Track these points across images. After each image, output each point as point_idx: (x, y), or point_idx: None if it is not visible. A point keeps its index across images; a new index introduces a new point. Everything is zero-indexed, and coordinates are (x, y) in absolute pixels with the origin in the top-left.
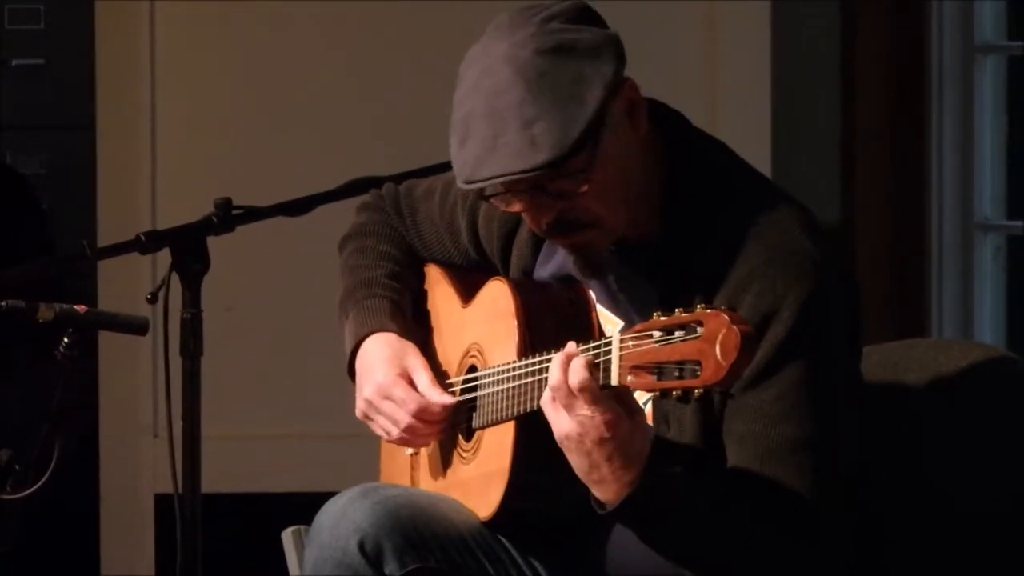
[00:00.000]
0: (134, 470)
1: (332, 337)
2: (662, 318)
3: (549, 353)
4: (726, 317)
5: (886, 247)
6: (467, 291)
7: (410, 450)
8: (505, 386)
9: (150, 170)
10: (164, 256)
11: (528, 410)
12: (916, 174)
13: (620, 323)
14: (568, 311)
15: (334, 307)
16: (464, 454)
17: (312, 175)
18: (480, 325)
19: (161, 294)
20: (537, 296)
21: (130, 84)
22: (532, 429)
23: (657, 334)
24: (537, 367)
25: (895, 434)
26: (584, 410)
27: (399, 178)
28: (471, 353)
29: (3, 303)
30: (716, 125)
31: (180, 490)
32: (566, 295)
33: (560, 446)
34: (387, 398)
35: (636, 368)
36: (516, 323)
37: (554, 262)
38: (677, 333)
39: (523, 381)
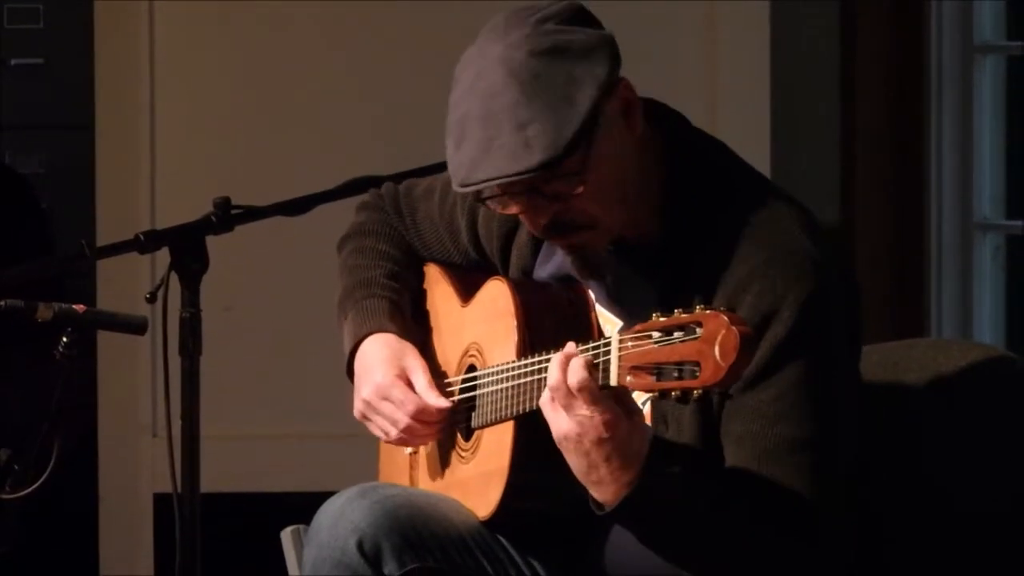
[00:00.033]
0: (133, 470)
1: (331, 337)
2: (661, 319)
3: (548, 353)
4: (725, 318)
5: (886, 247)
6: (466, 290)
7: (409, 449)
8: (504, 386)
9: (149, 170)
10: (163, 256)
11: (527, 410)
12: (916, 174)
13: (619, 323)
14: (567, 311)
15: (333, 307)
16: (463, 454)
17: (311, 175)
18: (479, 325)
19: (160, 294)
20: (536, 296)
21: (129, 84)
22: (531, 429)
23: (656, 335)
24: (536, 367)
25: (895, 434)
26: (583, 410)
27: (398, 177)
28: (470, 352)
29: (2, 303)
30: (716, 125)
31: (179, 490)
32: (565, 295)
33: (558, 446)
34: (385, 399)
35: (635, 368)
36: (515, 323)
37: (553, 262)
38: (676, 334)
39: (522, 381)
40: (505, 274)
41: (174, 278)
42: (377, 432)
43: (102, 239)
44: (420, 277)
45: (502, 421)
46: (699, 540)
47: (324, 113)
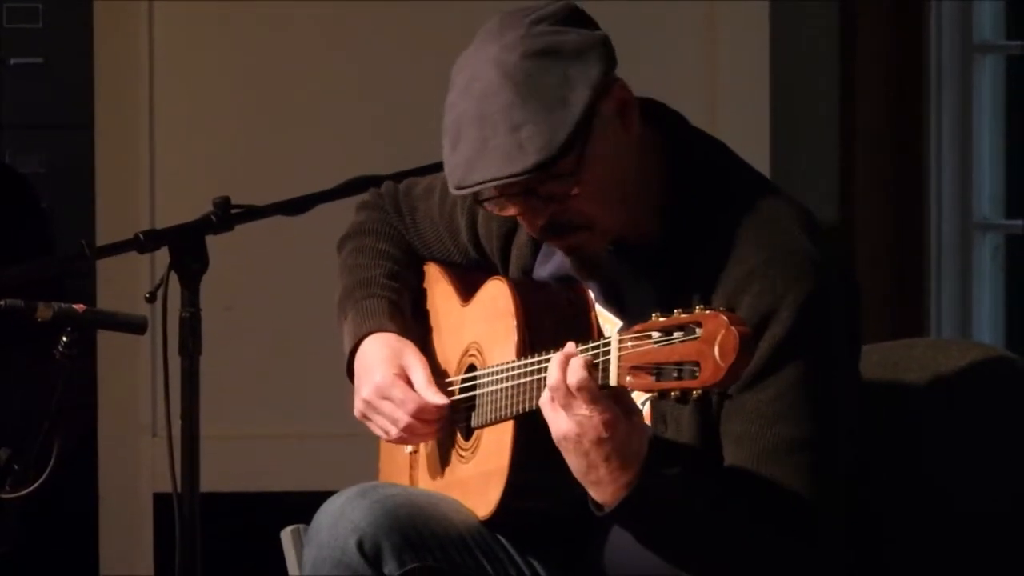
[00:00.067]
0: (133, 469)
1: (331, 337)
2: (661, 319)
3: (548, 353)
4: (725, 318)
5: (885, 247)
6: (466, 290)
7: (409, 449)
8: (504, 385)
9: (149, 169)
10: (163, 255)
11: (527, 410)
12: (915, 174)
13: (619, 323)
14: (567, 311)
15: (333, 306)
16: (463, 453)
17: (311, 174)
18: (479, 324)
19: (160, 293)
20: (536, 296)
21: (129, 83)
22: (531, 429)
23: (656, 335)
24: (536, 367)
25: (895, 434)
26: (582, 410)
27: (398, 177)
28: (470, 352)
29: (2, 302)
30: (716, 125)
31: (179, 489)
32: (565, 295)
33: (558, 446)
34: (385, 398)
35: (635, 369)
36: (515, 323)
37: (553, 262)
38: (676, 334)
39: (522, 381)
40: (505, 273)
41: (174, 278)
42: (377, 431)
43: (102, 239)
44: (420, 276)
45: (502, 421)
46: (698, 540)
47: (324, 113)
